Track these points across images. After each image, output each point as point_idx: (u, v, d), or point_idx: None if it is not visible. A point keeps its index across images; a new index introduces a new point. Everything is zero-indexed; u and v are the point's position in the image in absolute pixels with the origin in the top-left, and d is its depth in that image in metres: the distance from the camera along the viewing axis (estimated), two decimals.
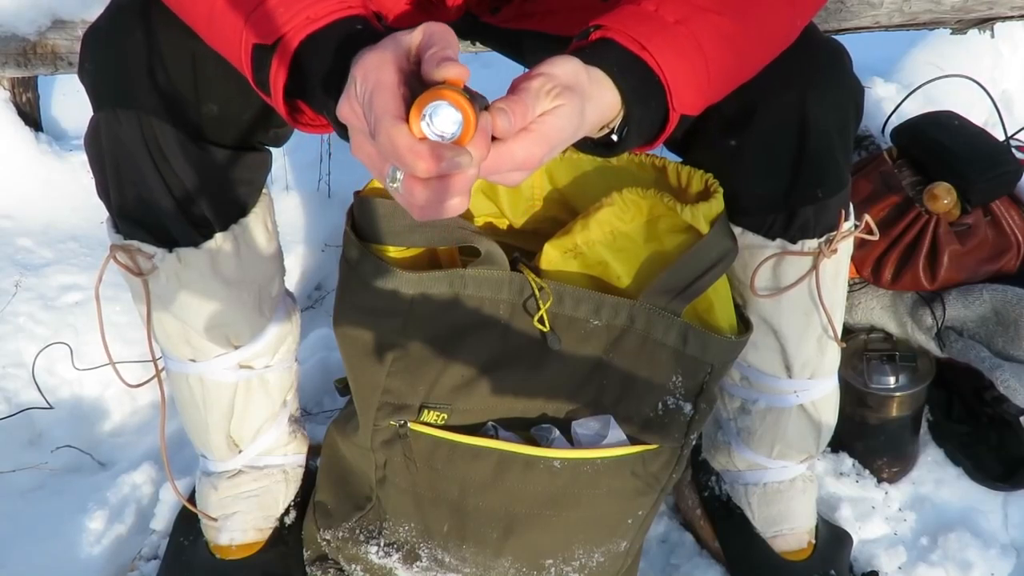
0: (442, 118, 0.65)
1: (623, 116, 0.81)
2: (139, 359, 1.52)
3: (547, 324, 1.01)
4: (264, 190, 1.13)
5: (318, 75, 0.79)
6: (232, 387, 1.19)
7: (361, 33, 0.79)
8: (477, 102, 0.68)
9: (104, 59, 0.97)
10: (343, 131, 0.78)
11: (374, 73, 0.68)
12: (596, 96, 0.78)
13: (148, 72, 0.95)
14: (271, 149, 1.11)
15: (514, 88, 0.73)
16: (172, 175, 0.99)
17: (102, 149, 1.00)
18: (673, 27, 0.82)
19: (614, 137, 0.83)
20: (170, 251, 1.05)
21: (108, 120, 0.98)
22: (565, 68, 0.76)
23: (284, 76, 0.80)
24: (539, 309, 1.01)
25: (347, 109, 0.71)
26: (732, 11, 0.85)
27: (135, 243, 1.05)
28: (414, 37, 0.71)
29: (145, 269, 1.06)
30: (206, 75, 0.95)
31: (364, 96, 0.68)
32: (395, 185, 0.68)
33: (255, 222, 1.10)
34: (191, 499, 1.32)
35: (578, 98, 0.75)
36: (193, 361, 1.16)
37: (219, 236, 1.06)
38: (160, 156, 0.98)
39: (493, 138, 0.70)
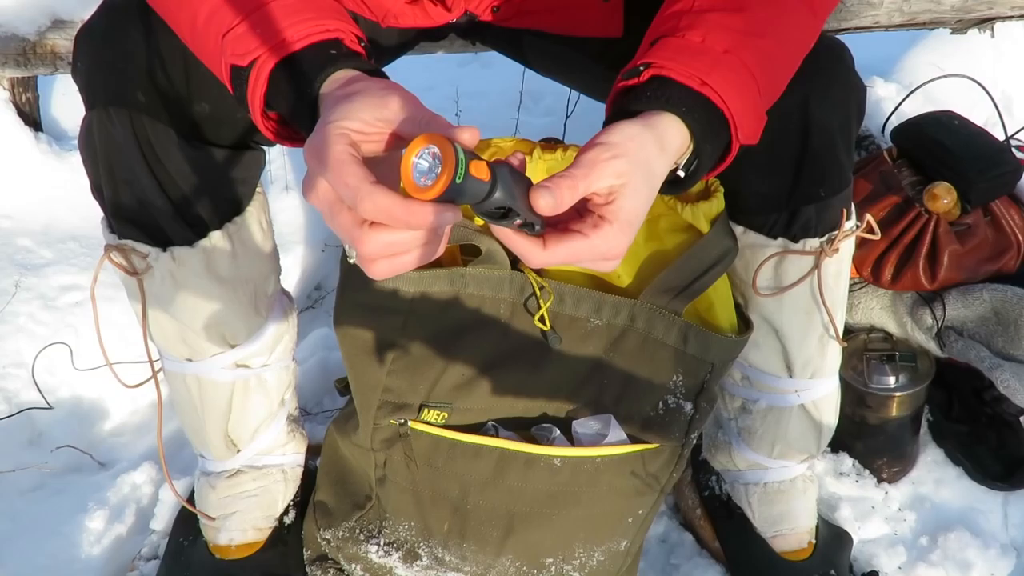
0: (424, 161, 0.64)
1: (692, 153, 0.81)
2: (139, 359, 1.53)
3: (548, 323, 1.01)
4: (259, 188, 1.13)
5: (291, 101, 0.78)
6: (229, 386, 1.19)
7: (335, 59, 0.78)
8: (500, 167, 0.67)
9: (97, 58, 0.97)
10: None
11: (326, 151, 0.67)
12: (666, 146, 0.77)
13: (140, 71, 0.95)
14: (266, 148, 1.10)
15: (574, 162, 0.72)
16: (165, 174, 0.99)
17: (95, 148, 1.00)
18: (725, 58, 0.81)
19: (680, 174, 0.82)
20: (164, 250, 1.05)
21: (100, 119, 0.98)
22: (624, 133, 0.75)
23: (260, 98, 0.80)
24: (540, 308, 1.01)
25: (312, 195, 0.69)
26: (771, 32, 0.85)
27: (129, 242, 1.05)
28: (366, 108, 0.70)
29: (140, 268, 1.06)
30: (199, 74, 0.95)
31: (327, 175, 0.67)
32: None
33: (250, 220, 1.10)
34: (190, 499, 1.32)
35: (643, 166, 0.74)
36: (190, 361, 1.16)
37: (214, 235, 1.06)
38: (152, 155, 0.98)
39: (570, 229, 0.71)
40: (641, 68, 0.81)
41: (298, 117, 0.79)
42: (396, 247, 0.67)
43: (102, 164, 1.01)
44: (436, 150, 0.63)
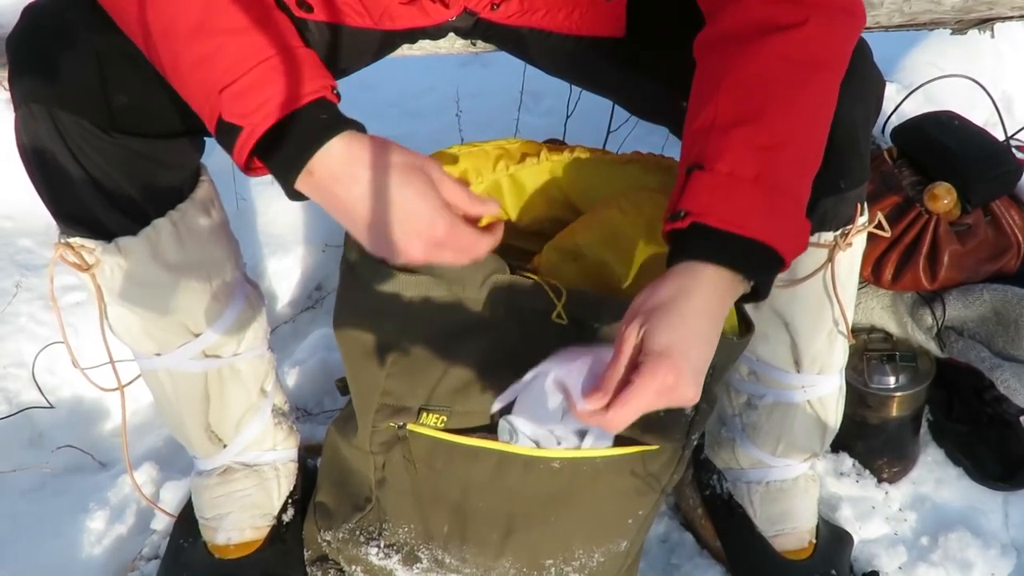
0: None
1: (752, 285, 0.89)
2: (127, 359, 1.53)
3: (565, 317, 1.00)
4: (204, 176, 1.12)
5: (283, 156, 0.86)
6: (201, 377, 1.19)
7: (327, 122, 0.86)
8: None
9: (18, 60, 0.98)
10: (294, 196, 0.88)
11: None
12: (720, 287, 0.85)
13: (56, 69, 0.96)
14: (205, 139, 1.10)
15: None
16: (94, 167, 0.99)
17: (27, 148, 1.00)
18: (755, 188, 0.86)
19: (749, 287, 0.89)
20: (109, 242, 1.05)
21: (25, 117, 0.98)
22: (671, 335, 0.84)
23: (249, 150, 0.86)
24: (556, 306, 1.00)
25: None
26: (794, 133, 0.88)
27: (77, 239, 1.05)
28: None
29: (91, 263, 1.06)
30: (113, 67, 0.96)
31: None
32: None
33: (193, 207, 1.09)
34: (188, 505, 1.33)
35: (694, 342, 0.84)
36: (158, 355, 1.16)
37: (156, 222, 1.05)
38: (78, 148, 0.98)
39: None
40: (682, 213, 0.86)
41: (284, 173, 0.86)
42: None
43: (35, 163, 1.01)
44: None
